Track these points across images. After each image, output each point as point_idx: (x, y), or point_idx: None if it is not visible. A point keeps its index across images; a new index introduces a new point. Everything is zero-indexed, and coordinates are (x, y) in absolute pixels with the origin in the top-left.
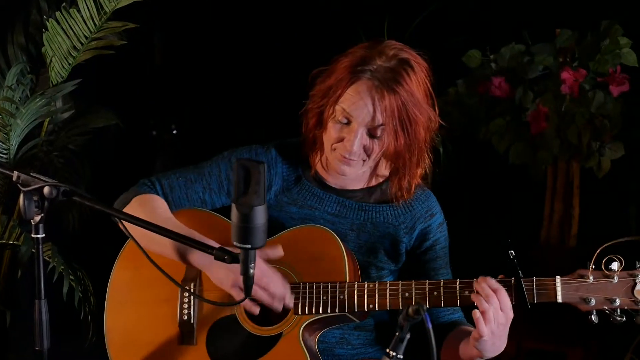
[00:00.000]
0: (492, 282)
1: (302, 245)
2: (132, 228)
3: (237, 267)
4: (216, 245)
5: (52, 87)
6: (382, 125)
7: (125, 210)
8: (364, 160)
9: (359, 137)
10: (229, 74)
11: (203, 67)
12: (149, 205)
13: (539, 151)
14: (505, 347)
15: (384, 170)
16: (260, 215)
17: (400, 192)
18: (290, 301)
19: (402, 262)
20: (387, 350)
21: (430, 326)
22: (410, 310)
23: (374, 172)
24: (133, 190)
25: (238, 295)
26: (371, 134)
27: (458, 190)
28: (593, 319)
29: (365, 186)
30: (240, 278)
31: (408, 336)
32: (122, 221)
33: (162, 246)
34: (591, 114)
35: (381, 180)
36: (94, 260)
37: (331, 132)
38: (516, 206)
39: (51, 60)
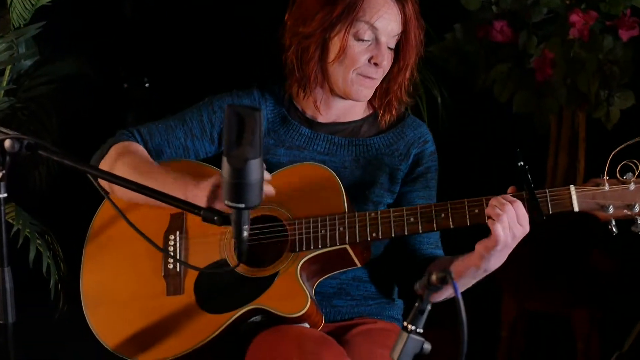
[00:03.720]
0: (508, 196)
1: (295, 184)
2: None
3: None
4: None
5: (13, 31)
6: (398, 34)
7: (103, 161)
8: (379, 80)
9: (386, 49)
10: (205, 24)
11: (177, 15)
12: (129, 152)
13: (545, 100)
14: (508, 309)
15: (374, 98)
16: (255, 170)
17: (392, 114)
18: (268, 188)
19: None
20: (405, 323)
21: (460, 296)
22: (433, 277)
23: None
24: (110, 141)
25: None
26: (389, 46)
27: (456, 142)
28: (613, 228)
29: (355, 118)
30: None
31: (429, 307)
32: (97, 177)
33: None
34: (599, 60)
35: (371, 110)
36: (64, 222)
37: (354, 56)
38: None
39: (12, 1)
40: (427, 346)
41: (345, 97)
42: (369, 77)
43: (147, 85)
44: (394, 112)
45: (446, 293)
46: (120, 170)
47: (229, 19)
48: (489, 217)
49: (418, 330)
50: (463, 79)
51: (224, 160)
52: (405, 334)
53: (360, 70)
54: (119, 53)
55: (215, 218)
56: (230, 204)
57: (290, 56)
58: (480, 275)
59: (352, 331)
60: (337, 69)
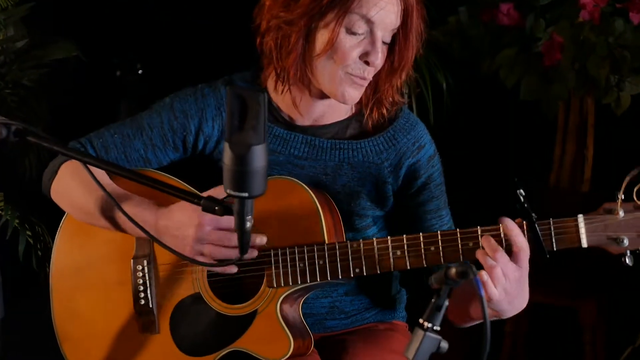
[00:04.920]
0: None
1: (270, 203)
2: (73, 192)
3: (191, 231)
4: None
5: (1, 12)
6: (395, 28)
7: (55, 182)
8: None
9: (381, 45)
10: (200, 9)
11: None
12: (81, 173)
13: (553, 85)
14: None
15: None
16: (259, 156)
17: (380, 112)
18: (262, 239)
19: (389, 207)
20: (421, 320)
21: (483, 293)
22: (452, 271)
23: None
24: (60, 157)
25: (206, 262)
26: (384, 40)
27: (460, 129)
28: (627, 261)
29: (339, 119)
30: (203, 242)
31: (447, 303)
32: (88, 165)
33: (107, 215)
34: (609, 43)
35: (357, 108)
36: (55, 213)
37: (345, 51)
38: (523, 147)
39: None
40: (445, 345)
41: (330, 96)
42: (360, 77)
43: (140, 72)
44: (383, 111)
45: (474, 319)
46: (76, 195)
47: (223, 3)
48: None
49: (435, 327)
50: (468, 64)
51: (226, 146)
52: (421, 332)
53: (350, 68)
54: (111, 39)
55: (217, 208)
56: (233, 193)
57: (268, 42)
58: (510, 313)
59: (350, 336)
60: (324, 65)
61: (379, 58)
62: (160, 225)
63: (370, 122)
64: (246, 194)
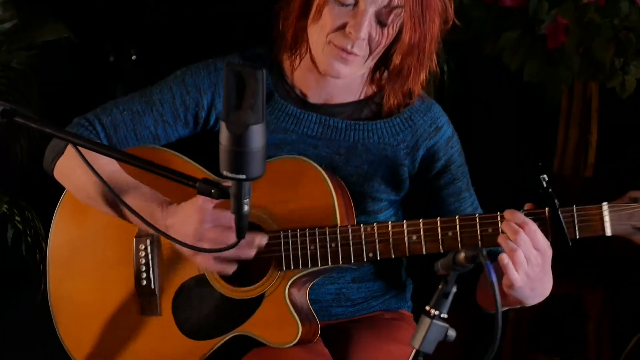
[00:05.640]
0: (518, 215)
1: (280, 183)
2: (79, 173)
3: (190, 216)
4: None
5: None
6: (397, 7)
7: (60, 162)
8: (364, 58)
9: (367, 21)
10: None
11: None
12: (89, 156)
13: (558, 69)
14: None
15: (380, 76)
16: (257, 136)
17: (399, 99)
18: (262, 240)
19: (404, 192)
20: (427, 308)
21: (494, 279)
22: (461, 256)
23: (368, 78)
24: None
25: (204, 260)
26: (380, 20)
27: (461, 113)
28: None
29: (356, 99)
30: (202, 228)
31: (454, 290)
32: (80, 148)
33: (111, 203)
34: (614, 26)
35: (375, 90)
36: (46, 198)
37: (328, 18)
38: (525, 132)
39: None
40: (452, 333)
41: (321, 70)
42: (342, 49)
43: (134, 58)
44: (400, 96)
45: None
46: (82, 179)
47: None
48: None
49: (442, 315)
50: (470, 46)
51: (223, 125)
52: (427, 320)
53: (333, 37)
54: (104, 23)
55: (213, 191)
56: (230, 175)
57: (276, 9)
58: (533, 300)
59: (355, 325)
60: (313, 33)
61: (360, 31)
62: (168, 222)
63: (389, 101)
64: (244, 176)
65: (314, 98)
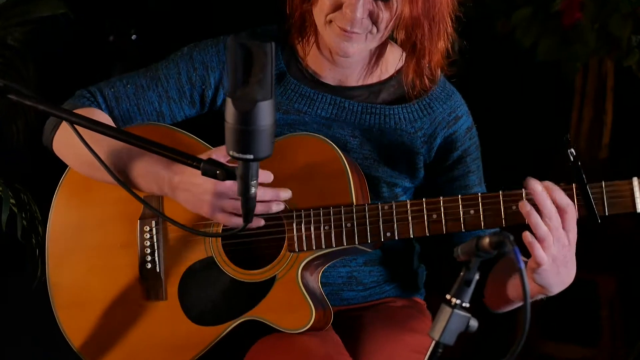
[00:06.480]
0: (557, 192)
1: (292, 161)
2: (79, 144)
3: (209, 184)
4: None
5: None
6: None
7: (58, 132)
8: (370, 33)
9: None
10: None
11: None
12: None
13: (573, 46)
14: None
15: (395, 55)
16: (265, 113)
17: (419, 78)
18: (286, 193)
19: (418, 180)
20: (448, 296)
21: (523, 266)
22: (486, 241)
23: (380, 57)
24: (68, 105)
25: (226, 220)
26: None
27: (472, 93)
28: None
29: (371, 82)
30: (223, 197)
31: (477, 277)
32: (77, 127)
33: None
34: (631, 1)
35: (392, 73)
36: (42, 181)
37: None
38: (539, 112)
39: None
40: (474, 323)
41: (330, 49)
42: (343, 29)
43: (134, 37)
44: (425, 81)
45: (515, 303)
46: (83, 152)
47: None
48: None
49: (464, 304)
50: (481, 23)
51: (229, 102)
52: (448, 309)
53: (333, 17)
54: (104, 0)
55: (218, 172)
56: (236, 154)
57: None
58: (556, 288)
59: (367, 312)
60: (316, 14)
61: (356, 10)
62: (175, 180)
63: (407, 79)
64: (251, 156)
65: (328, 79)
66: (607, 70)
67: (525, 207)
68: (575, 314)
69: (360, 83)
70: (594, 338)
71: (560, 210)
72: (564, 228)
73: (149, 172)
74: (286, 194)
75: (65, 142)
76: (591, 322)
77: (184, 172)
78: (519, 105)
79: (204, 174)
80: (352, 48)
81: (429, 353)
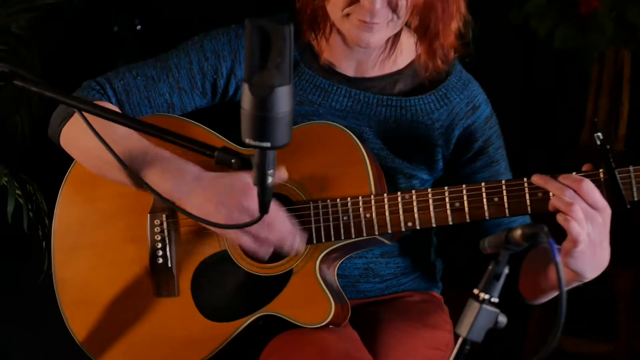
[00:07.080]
0: (571, 175)
1: (309, 150)
2: (89, 137)
3: (226, 185)
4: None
5: None
6: None
7: (66, 126)
8: (392, 21)
9: None
10: None
11: None
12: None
13: (589, 35)
14: None
15: (409, 40)
16: (284, 99)
17: (431, 60)
18: (301, 241)
19: (437, 172)
20: (476, 291)
21: (559, 260)
22: (517, 233)
23: (396, 40)
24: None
25: (236, 237)
26: None
27: (485, 82)
28: None
29: (389, 72)
30: (242, 198)
31: (506, 271)
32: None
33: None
34: None
35: (407, 62)
36: (48, 171)
37: None
38: (553, 102)
39: None
40: (503, 319)
41: (349, 41)
42: (362, 21)
43: (138, 28)
44: (438, 63)
45: (551, 292)
46: (92, 146)
47: None
48: (558, 211)
49: (492, 299)
50: (495, 10)
51: (245, 87)
52: (476, 305)
53: (350, 10)
54: None
55: (233, 161)
56: (253, 142)
57: None
58: (592, 272)
59: (384, 307)
60: (331, 10)
61: (374, 2)
62: (204, 175)
63: (421, 78)
64: (268, 144)
65: (343, 68)
66: (624, 60)
67: (553, 200)
68: (592, 309)
69: (377, 72)
70: (612, 333)
71: (576, 186)
72: (594, 207)
73: (179, 166)
74: (280, 175)
75: (75, 135)
76: (609, 317)
77: (208, 177)
78: (534, 96)
79: (217, 162)
80: (374, 38)
81: (456, 350)
